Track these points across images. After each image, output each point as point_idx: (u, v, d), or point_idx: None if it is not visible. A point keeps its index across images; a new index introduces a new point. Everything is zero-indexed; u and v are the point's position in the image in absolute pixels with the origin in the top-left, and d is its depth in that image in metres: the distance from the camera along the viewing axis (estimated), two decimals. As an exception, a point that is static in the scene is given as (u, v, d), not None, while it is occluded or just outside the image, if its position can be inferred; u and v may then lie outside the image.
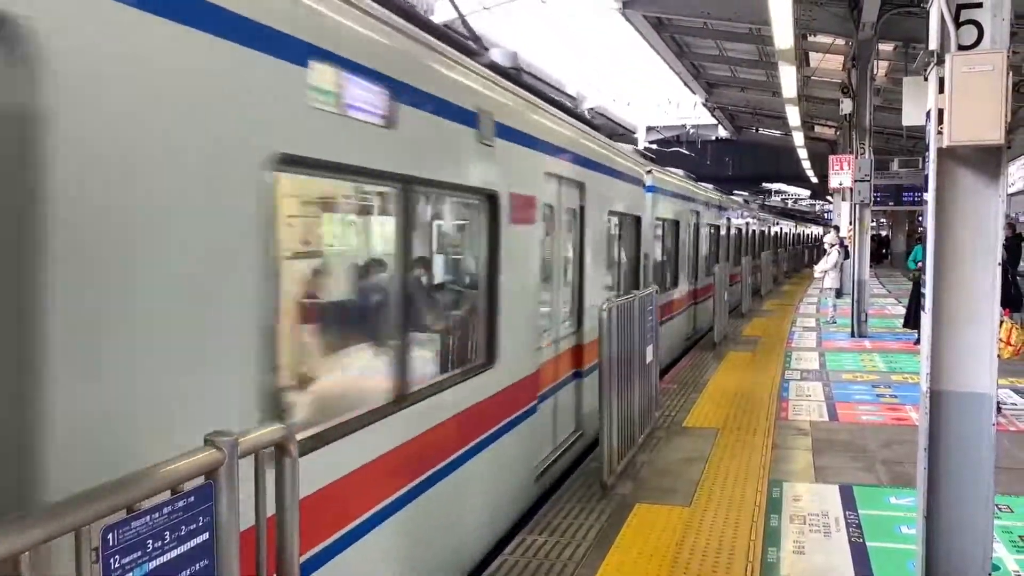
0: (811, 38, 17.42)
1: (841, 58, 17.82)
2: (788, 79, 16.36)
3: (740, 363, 12.03)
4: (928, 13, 4.24)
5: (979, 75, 3.84)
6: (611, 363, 6.14)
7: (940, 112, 3.97)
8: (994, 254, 3.98)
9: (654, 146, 31.30)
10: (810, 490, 6.26)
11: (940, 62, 4.00)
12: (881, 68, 18.76)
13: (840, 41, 16.56)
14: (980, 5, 4.00)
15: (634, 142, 31.11)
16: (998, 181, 3.99)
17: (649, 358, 7.53)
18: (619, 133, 30.59)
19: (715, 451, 7.25)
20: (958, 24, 4.01)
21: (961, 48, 4.00)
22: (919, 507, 4.28)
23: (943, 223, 4.08)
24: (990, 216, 4.00)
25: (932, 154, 4.10)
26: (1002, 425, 8.22)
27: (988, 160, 4.02)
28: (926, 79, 4.20)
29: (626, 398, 6.64)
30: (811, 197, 57.59)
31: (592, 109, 29.38)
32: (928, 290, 4.13)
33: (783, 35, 12.53)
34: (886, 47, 16.77)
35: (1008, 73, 3.83)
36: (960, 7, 4.03)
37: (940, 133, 3.98)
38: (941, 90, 3.97)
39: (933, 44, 4.13)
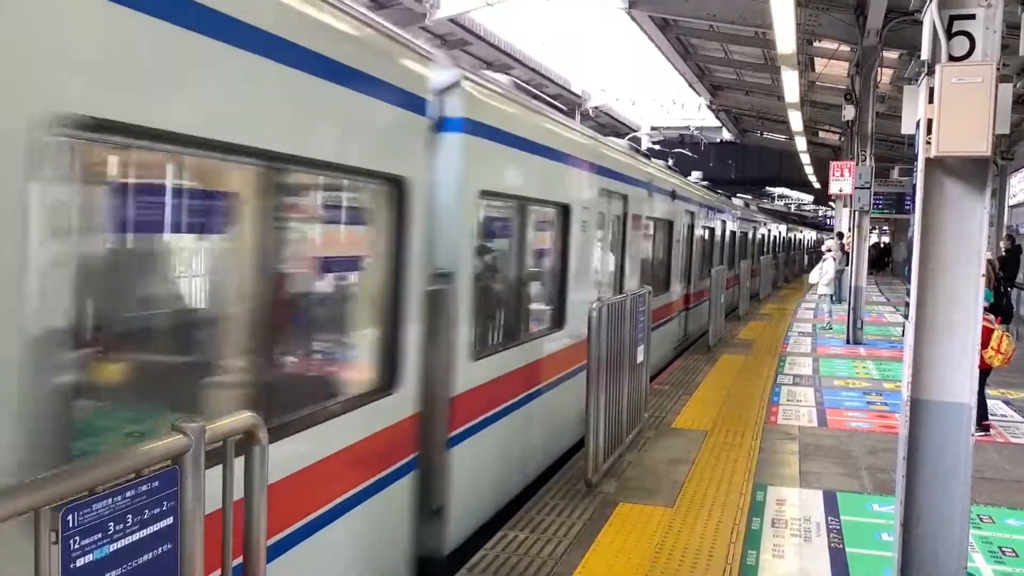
0: (816, 43, 17.41)
1: (846, 64, 17.81)
2: (790, 84, 16.38)
3: (733, 366, 12.05)
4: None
5: (968, 87, 3.85)
6: (599, 362, 6.16)
7: (929, 122, 3.99)
8: (978, 265, 3.99)
9: (656, 147, 31.31)
10: (794, 495, 6.28)
11: (930, 72, 4.01)
12: (886, 75, 18.75)
13: (845, 47, 16.56)
14: (972, 17, 4.01)
15: (638, 142, 31.11)
16: (984, 193, 4.01)
17: (639, 358, 7.55)
18: (623, 133, 30.59)
19: (702, 453, 7.27)
20: (950, 35, 4.02)
21: (952, 59, 4.01)
22: (896, 515, 4.29)
23: (928, 233, 4.10)
24: (974, 227, 4.01)
25: (920, 164, 4.11)
26: (991, 437, 8.24)
27: (975, 172, 4.03)
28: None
29: (614, 397, 6.66)
30: (814, 202, 57.69)
31: (596, 107, 29.41)
32: (912, 299, 4.14)
33: (785, 39, 12.54)
34: (891, 55, 16.76)
35: (998, 85, 3.84)
36: (952, 18, 4.03)
37: (929, 143, 3.99)
38: (931, 100, 3.99)
39: (925, 54, 4.15)
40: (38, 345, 2.12)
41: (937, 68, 3.94)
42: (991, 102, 3.81)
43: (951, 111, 3.89)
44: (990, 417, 8.70)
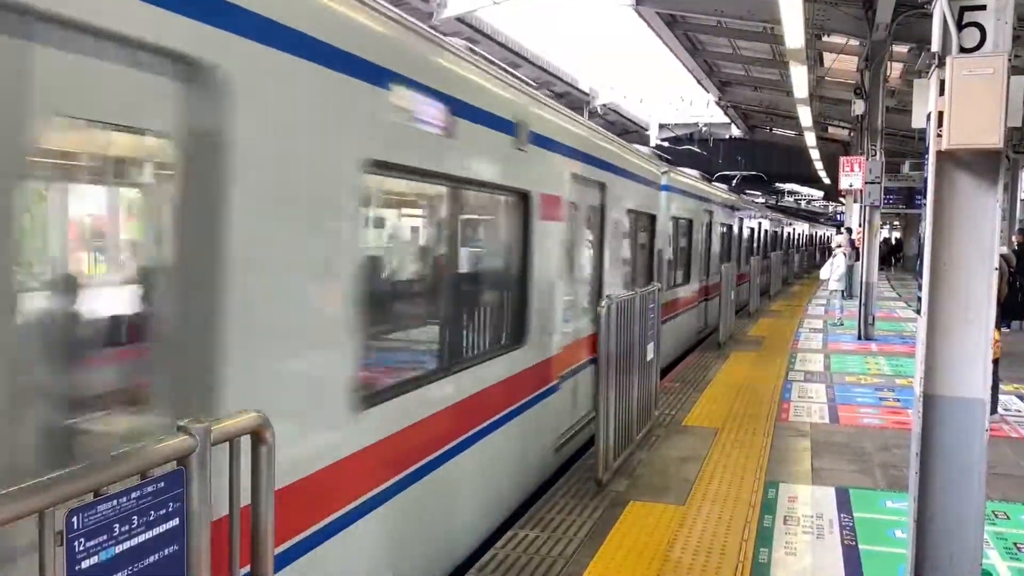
0: (825, 38, 17.31)
1: (856, 59, 17.70)
2: (799, 79, 16.29)
3: (744, 363, 12.00)
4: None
5: (979, 79, 3.80)
6: (609, 360, 6.13)
7: (940, 115, 3.95)
8: (990, 259, 3.95)
9: (666, 144, 31.22)
10: (806, 492, 6.24)
11: (941, 64, 3.97)
12: (896, 70, 18.63)
13: (854, 42, 16.46)
14: (983, 7, 3.96)
15: (646, 139, 31.05)
16: (996, 186, 3.96)
17: (650, 356, 7.52)
18: (631, 131, 30.54)
19: (713, 450, 7.23)
20: (960, 26, 3.97)
21: (963, 50, 3.97)
22: (910, 511, 4.25)
23: (940, 226, 4.05)
24: (987, 220, 3.96)
25: (931, 157, 4.07)
26: (1004, 431, 8.18)
27: (986, 165, 3.98)
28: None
29: (624, 395, 6.63)
30: (824, 198, 57.42)
31: (604, 105, 29.33)
32: (924, 293, 4.10)
33: (794, 34, 12.47)
34: (901, 49, 16.66)
35: (1009, 77, 3.80)
36: (963, 9, 3.99)
37: (939, 136, 3.95)
38: (942, 92, 3.94)
39: (935, 46, 4.10)
40: None
41: (948, 60, 3.90)
42: (1003, 94, 3.77)
43: (962, 103, 3.84)
44: (1001, 410, 8.64)
